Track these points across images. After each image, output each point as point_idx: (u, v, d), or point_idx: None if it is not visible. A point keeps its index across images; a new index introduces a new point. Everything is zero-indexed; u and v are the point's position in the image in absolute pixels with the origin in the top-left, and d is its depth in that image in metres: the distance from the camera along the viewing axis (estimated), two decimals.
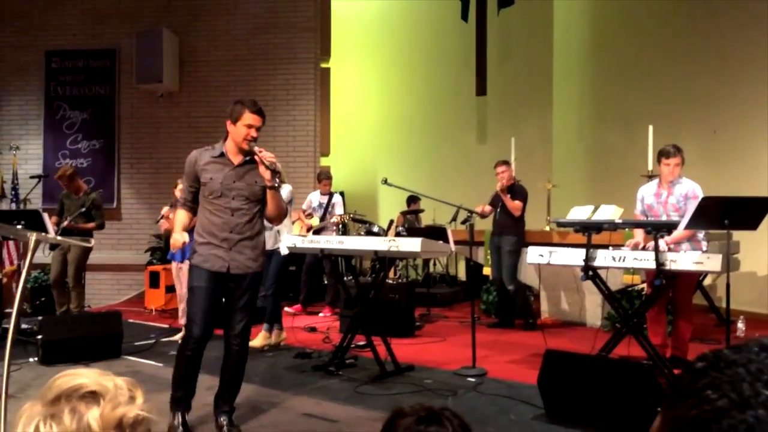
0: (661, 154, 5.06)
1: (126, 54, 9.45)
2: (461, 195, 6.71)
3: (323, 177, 7.77)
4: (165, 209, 6.43)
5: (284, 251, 5.61)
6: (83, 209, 6.70)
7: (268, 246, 5.72)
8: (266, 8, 9.36)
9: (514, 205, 6.56)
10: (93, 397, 1.00)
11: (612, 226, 4.76)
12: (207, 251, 3.63)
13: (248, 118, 3.60)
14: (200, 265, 3.65)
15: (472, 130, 10.75)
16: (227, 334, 3.84)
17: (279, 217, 3.82)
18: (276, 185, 3.59)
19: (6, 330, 5.34)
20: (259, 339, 5.72)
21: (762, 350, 0.63)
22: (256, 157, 3.53)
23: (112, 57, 9.63)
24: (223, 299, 3.80)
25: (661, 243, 4.79)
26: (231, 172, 3.63)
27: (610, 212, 4.84)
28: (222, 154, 3.66)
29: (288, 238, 5.46)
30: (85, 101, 9.66)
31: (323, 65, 9.77)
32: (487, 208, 6.74)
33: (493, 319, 7.14)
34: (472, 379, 4.76)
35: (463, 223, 6.22)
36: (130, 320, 7.20)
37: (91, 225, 6.78)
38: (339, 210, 7.56)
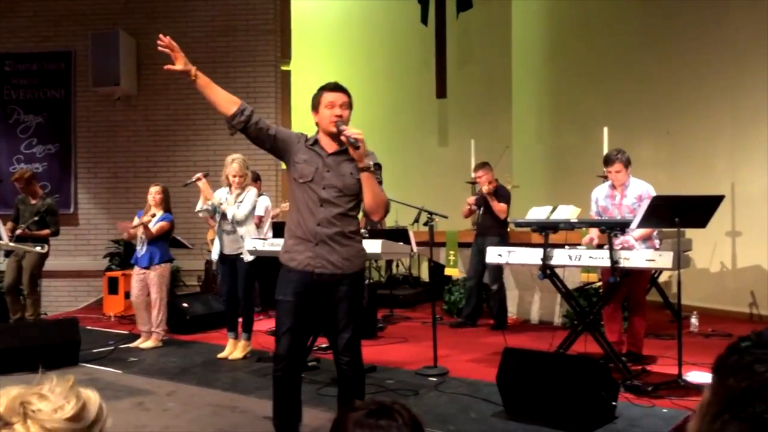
0: (604, 162, 5.20)
1: (82, 56, 9.26)
2: (423, 197, 6.77)
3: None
4: (146, 218, 6.17)
5: (248, 258, 5.55)
6: (37, 217, 6.57)
7: (228, 251, 5.69)
8: (225, 11, 9.29)
9: (500, 208, 6.60)
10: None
11: (568, 225, 4.86)
12: (294, 247, 3.22)
13: (328, 97, 3.23)
14: (287, 263, 3.24)
15: (434, 133, 10.84)
16: (334, 353, 3.39)
17: (378, 208, 3.21)
18: (370, 167, 3.13)
19: None
20: (239, 349, 5.68)
21: None
22: (342, 138, 3.11)
23: (67, 59, 9.44)
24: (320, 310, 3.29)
25: (629, 239, 4.92)
26: (323, 161, 3.21)
27: (567, 212, 4.94)
28: (316, 142, 3.27)
29: (249, 241, 5.43)
30: (39, 105, 9.45)
31: (284, 68, 9.73)
32: (474, 207, 6.75)
33: (455, 318, 7.20)
34: (434, 379, 4.81)
35: (425, 224, 6.28)
36: (89, 327, 7.07)
37: (46, 232, 6.65)
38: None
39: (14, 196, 7.05)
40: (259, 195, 7.36)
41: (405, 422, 1.29)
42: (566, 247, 4.86)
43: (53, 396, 0.99)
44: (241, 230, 5.60)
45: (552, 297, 6.98)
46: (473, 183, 7.37)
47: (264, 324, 7.10)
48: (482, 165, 6.83)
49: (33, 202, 6.75)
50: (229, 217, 5.58)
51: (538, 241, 6.91)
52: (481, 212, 6.73)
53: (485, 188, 6.62)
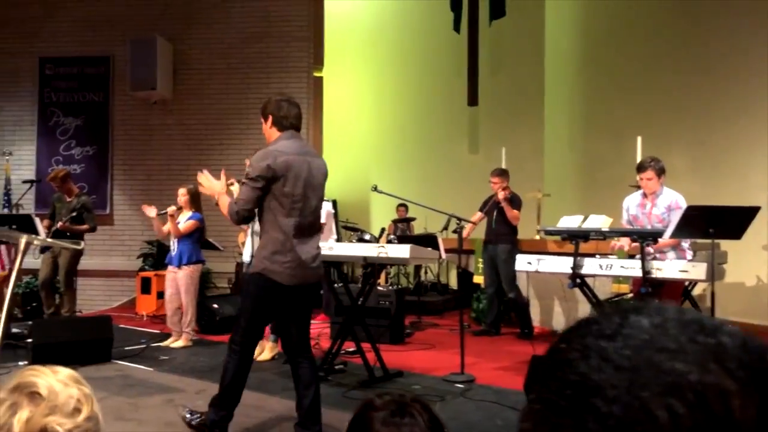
0: (637, 169, 5.15)
1: (120, 61, 9.48)
2: (452, 204, 6.76)
3: None
4: (171, 208, 6.34)
5: None
6: (74, 213, 6.72)
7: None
8: (260, 17, 9.42)
9: (515, 215, 6.66)
10: (35, 398, 1.06)
11: (599, 234, 4.82)
12: None
13: None
14: None
15: (464, 140, 10.83)
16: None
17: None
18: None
19: None
20: (267, 351, 5.74)
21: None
22: None
23: (106, 64, 9.66)
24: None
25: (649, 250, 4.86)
26: None
27: (599, 222, 4.91)
28: None
29: None
30: (78, 108, 9.68)
31: (316, 74, 9.83)
32: (478, 214, 6.79)
33: (481, 327, 7.18)
34: (460, 385, 4.80)
35: (454, 231, 6.28)
36: (122, 325, 7.20)
37: (84, 227, 6.80)
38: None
39: (52, 194, 7.23)
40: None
41: (425, 423, 1.32)
42: (597, 256, 4.81)
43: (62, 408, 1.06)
44: None
45: (579, 307, 6.92)
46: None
47: None
48: (501, 172, 6.90)
49: (69, 199, 6.91)
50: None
51: (554, 249, 6.90)
52: (493, 219, 6.73)
53: (501, 194, 6.64)
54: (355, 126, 11.31)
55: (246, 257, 5.99)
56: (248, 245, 5.92)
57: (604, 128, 9.35)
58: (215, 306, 6.97)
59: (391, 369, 5.04)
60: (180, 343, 6.16)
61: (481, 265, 7.26)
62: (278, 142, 3.52)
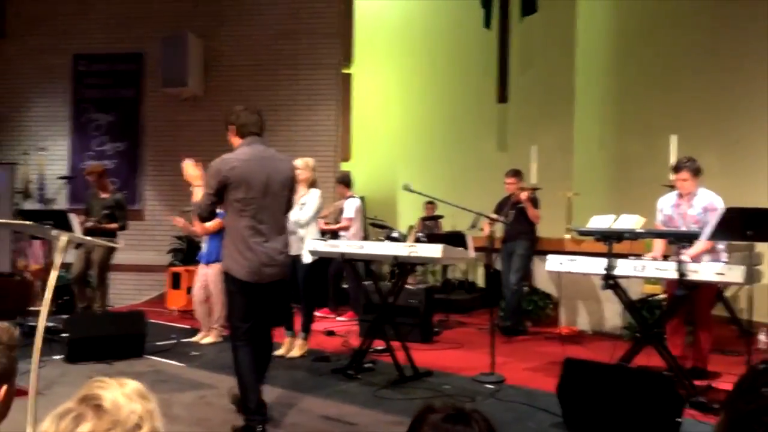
0: (672, 169, 5.08)
1: (151, 58, 9.58)
2: (480, 202, 6.71)
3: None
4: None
5: (306, 259, 5.62)
6: (107, 210, 6.82)
7: (292, 251, 5.79)
8: (289, 14, 9.46)
9: (536, 214, 6.75)
10: (99, 411, 1.07)
11: (633, 235, 4.75)
12: None
13: None
14: None
15: (493, 137, 10.75)
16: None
17: None
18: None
19: (33, 328, 5.46)
20: (297, 348, 5.77)
21: None
22: None
23: (138, 61, 9.78)
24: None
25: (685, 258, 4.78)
26: None
27: (631, 221, 4.83)
28: None
29: (309, 242, 5.50)
30: (110, 104, 9.82)
31: (345, 71, 9.84)
32: (493, 215, 6.76)
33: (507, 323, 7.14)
34: (491, 386, 4.78)
35: (472, 227, 6.25)
36: (152, 320, 7.28)
37: (114, 225, 6.89)
38: (347, 214, 7.45)
39: (85, 191, 7.34)
40: (348, 198, 7.47)
41: (481, 430, 1.29)
42: (630, 257, 4.75)
43: None
44: (301, 231, 5.66)
45: (607, 307, 6.85)
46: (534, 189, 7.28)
47: (322, 324, 7.20)
48: (515, 173, 6.95)
49: (103, 196, 7.01)
50: (292, 219, 5.67)
51: (572, 248, 6.84)
52: (511, 218, 6.70)
53: (524, 195, 6.64)
54: (384, 123, 11.30)
55: None
56: None
57: (636, 127, 9.22)
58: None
59: (421, 368, 5.04)
60: (209, 339, 6.22)
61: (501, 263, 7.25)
62: (238, 149, 3.78)
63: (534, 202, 6.82)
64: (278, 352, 5.81)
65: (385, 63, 11.30)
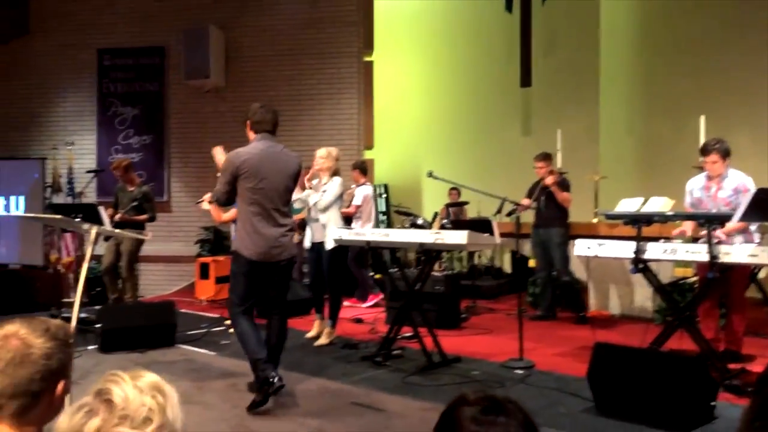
0: (701, 152, 4.99)
1: (174, 51, 9.65)
2: (505, 187, 6.66)
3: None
4: (207, 195, 6.45)
5: (330, 245, 5.65)
6: (135, 202, 6.90)
7: (315, 239, 5.82)
8: (310, 3, 9.45)
9: (566, 197, 6.64)
10: (109, 405, 1.09)
11: (663, 218, 4.69)
12: None
13: None
14: None
15: (517, 123, 10.66)
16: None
17: None
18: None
19: (66, 319, 5.57)
20: (325, 335, 5.82)
21: None
22: None
23: (161, 54, 9.85)
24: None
25: (720, 235, 4.70)
26: None
27: (660, 204, 4.76)
28: None
29: (334, 231, 5.53)
30: (135, 97, 9.91)
31: (366, 58, 9.81)
32: (527, 201, 6.71)
33: (537, 311, 7.11)
34: (520, 372, 4.76)
35: (508, 215, 6.22)
36: (182, 310, 7.37)
37: (143, 217, 6.97)
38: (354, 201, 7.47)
39: (113, 184, 7.43)
40: (360, 185, 7.49)
41: (519, 423, 1.26)
42: (661, 240, 4.69)
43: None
44: (323, 218, 5.71)
45: (637, 290, 6.78)
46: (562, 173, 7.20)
47: (349, 312, 7.23)
48: (544, 156, 6.83)
49: (130, 189, 7.09)
50: (311, 204, 5.76)
51: (606, 232, 6.76)
52: (542, 204, 6.62)
53: (549, 179, 6.57)
54: (406, 110, 11.26)
55: (307, 242, 6.05)
56: (308, 231, 5.99)
57: (663, 109, 9.08)
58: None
59: (449, 354, 5.04)
60: None
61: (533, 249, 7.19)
62: (251, 144, 4.22)
63: (564, 185, 6.71)
64: (309, 334, 5.89)
65: (406, 49, 11.24)
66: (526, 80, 10.08)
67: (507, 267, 9.53)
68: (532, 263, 7.36)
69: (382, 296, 7.65)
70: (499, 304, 7.78)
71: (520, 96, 10.44)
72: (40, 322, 1.48)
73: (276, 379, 3.97)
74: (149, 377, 1.17)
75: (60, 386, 1.48)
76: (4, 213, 8.84)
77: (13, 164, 9.19)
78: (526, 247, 7.53)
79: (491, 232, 6.48)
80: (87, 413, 1.09)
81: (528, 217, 7.03)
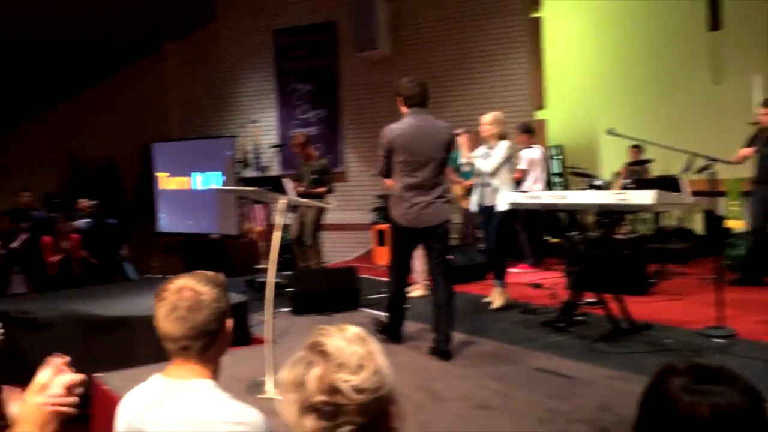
0: None
1: (343, 25, 9.93)
2: (695, 142, 6.12)
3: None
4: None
5: (502, 207, 5.57)
6: (315, 176, 7.27)
7: (486, 202, 5.77)
8: None
9: None
10: (325, 355, 1.17)
11: None
12: None
13: None
14: None
15: (705, 70, 9.71)
16: None
17: None
18: None
19: (262, 284, 6.04)
20: (497, 299, 5.80)
21: None
22: None
23: (331, 29, 10.19)
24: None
25: None
26: None
27: None
28: None
29: (507, 194, 5.44)
30: (309, 73, 10.39)
31: (534, 15, 9.43)
32: (747, 150, 6.05)
33: (735, 275, 6.50)
34: (720, 340, 4.40)
35: (700, 171, 5.70)
36: (362, 275, 7.68)
37: (322, 189, 7.32)
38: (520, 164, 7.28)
39: (296, 157, 7.88)
40: (527, 148, 7.34)
41: (741, 390, 1.16)
42: None
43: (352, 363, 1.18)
44: (494, 182, 5.66)
45: None
46: (755, 124, 6.49)
47: (526, 276, 7.12)
48: None
49: (310, 162, 7.47)
50: (476, 168, 5.72)
51: None
52: (764, 154, 5.92)
53: None
54: (579, 65, 10.68)
55: (473, 206, 6.04)
56: (473, 196, 5.97)
57: None
58: (449, 257, 7.12)
59: (638, 321, 4.78)
60: (418, 292, 6.42)
61: (735, 209, 6.54)
62: (402, 119, 4.44)
63: None
64: (487, 299, 5.89)
65: (577, 0, 10.62)
66: (714, 22, 9.13)
67: (698, 228, 8.82)
68: (731, 224, 6.73)
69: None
70: (690, 269, 7.23)
71: (708, 40, 9.48)
72: (200, 274, 1.74)
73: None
74: (353, 329, 1.26)
75: (229, 323, 1.74)
76: (204, 187, 9.74)
77: (207, 143, 10.08)
78: (721, 206, 6.90)
79: (679, 191, 6.02)
80: (307, 365, 1.18)
81: (725, 172, 6.40)
